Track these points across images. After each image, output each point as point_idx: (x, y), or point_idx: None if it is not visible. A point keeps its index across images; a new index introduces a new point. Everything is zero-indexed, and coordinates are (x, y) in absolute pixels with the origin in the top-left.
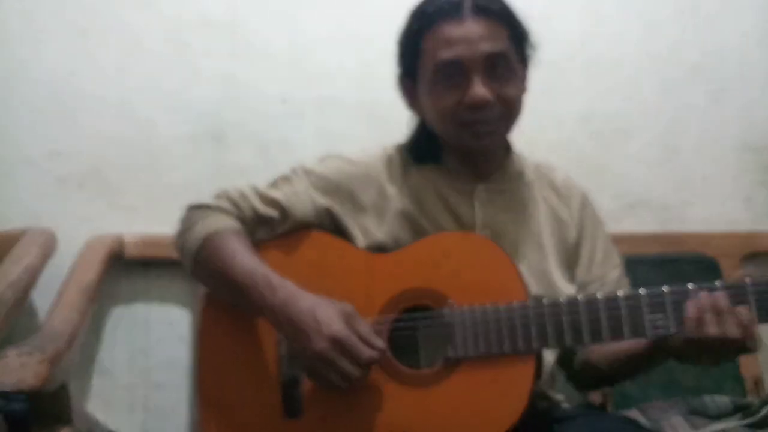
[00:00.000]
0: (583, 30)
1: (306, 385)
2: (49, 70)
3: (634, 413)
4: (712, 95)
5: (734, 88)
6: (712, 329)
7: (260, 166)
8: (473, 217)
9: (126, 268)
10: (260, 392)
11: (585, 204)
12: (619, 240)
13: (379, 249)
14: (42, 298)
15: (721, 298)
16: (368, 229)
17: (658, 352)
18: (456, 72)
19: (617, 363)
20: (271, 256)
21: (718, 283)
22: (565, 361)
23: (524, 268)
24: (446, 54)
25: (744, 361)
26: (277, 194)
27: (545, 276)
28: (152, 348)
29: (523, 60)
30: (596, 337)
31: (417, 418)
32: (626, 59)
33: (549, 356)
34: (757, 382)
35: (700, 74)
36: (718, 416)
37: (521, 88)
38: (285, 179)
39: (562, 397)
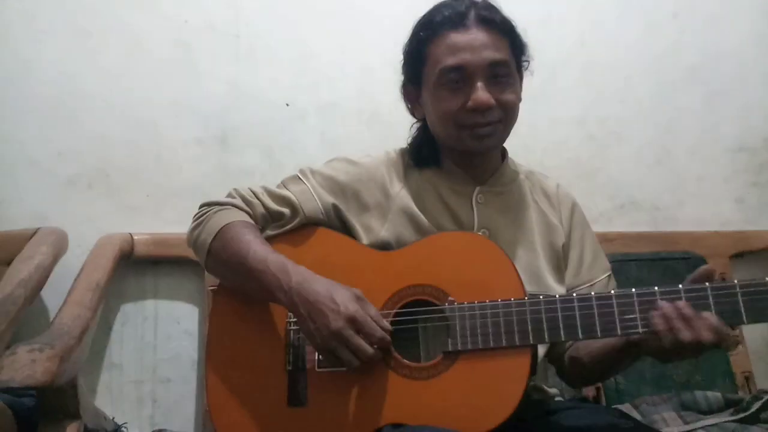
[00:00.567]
0: (581, 33)
1: (311, 375)
2: (53, 72)
3: (626, 408)
4: (708, 97)
5: (730, 90)
6: (685, 335)
7: (265, 169)
8: (472, 217)
9: (135, 267)
10: (267, 380)
11: (574, 211)
12: (612, 239)
13: (382, 246)
14: (52, 297)
15: (685, 307)
16: (372, 227)
17: (635, 348)
18: (460, 77)
19: (598, 358)
20: (278, 250)
21: (681, 285)
22: (555, 357)
23: (518, 267)
24: (451, 60)
25: (735, 357)
26: (286, 192)
27: (537, 274)
28: (160, 344)
29: (520, 70)
30: (590, 332)
31: (417, 408)
32: (623, 62)
33: (539, 351)
34: (748, 378)
35: (696, 76)
36: (710, 411)
37: (519, 96)
38: (293, 179)
39: (556, 390)
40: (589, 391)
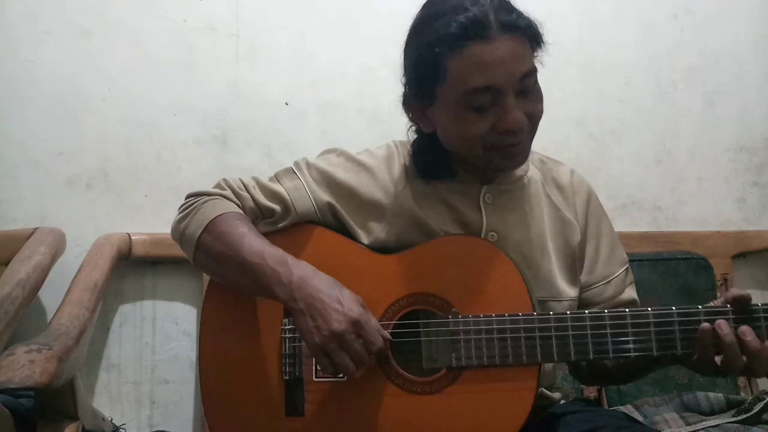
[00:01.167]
0: (581, 33)
1: (309, 384)
2: (54, 72)
3: (628, 409)
4: (708, 97)
5: (729, 91)
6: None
7: (264, 169)
8: (480, 220)
9: (133, 267)
10: (263, 389)
11: (590, 201)
12: None
13: (381, 249)
14: (50, 297)
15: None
16: (371, 228)
17: (675, 362)
18: (489, 97)
19: (627, 366)
20: None
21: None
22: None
23: (528, 271)
24: (479, 80)
25: None
26: (279, 187)
27: (548, 278)
28: (158, 344)
29: None
30: (601, 352)
31: (419, 424)
32: (623, 62)
33: None
34: (750, 379)
35: (695, 77)
36: (712, 412)
37: (543, 100)
38: (287, 172)
39: (560, 395)
40: (590, 392)
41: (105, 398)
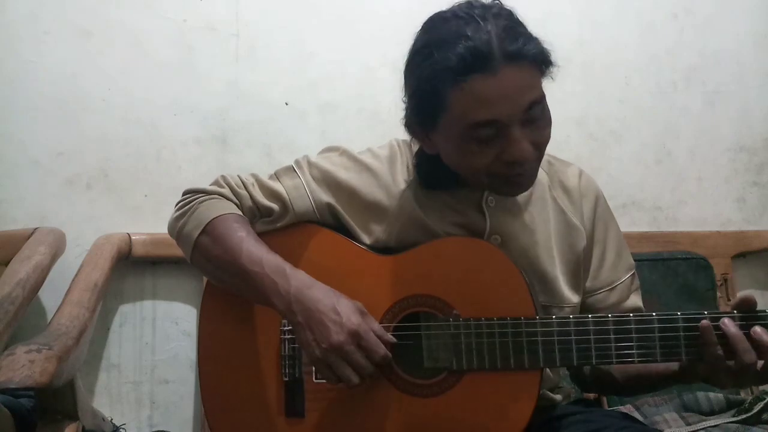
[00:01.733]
0: (581, 33)
1: (309, 385)
2: (54, 72)
3: (628, 409)
4: (708, 97)
5: (729, 91)
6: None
7: (264, 169)
8: (483, 223)
9: (133, 267)
10: (262, 390)
11: (597, 205)
12: None
13: (383, 248)
14: (50, 297)
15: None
16: (372, 229)
17: (687, 375)
18: (493, 130)
19: (638, 379)
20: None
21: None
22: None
23: (532, 275)
24: (482, 115)
25: None
26: (278, 186)
27: (551, 284)
28: (158, 344)
29: None
30: (604, 357)
31: (418, 427)
32: (623, 62)
33: None
34: None
35: (695, 77)
36: (712, 412)
37: (551, 123)
38: (287, 170)
39: (560, 397)
40: (589, 393)
41: (105, 398)
